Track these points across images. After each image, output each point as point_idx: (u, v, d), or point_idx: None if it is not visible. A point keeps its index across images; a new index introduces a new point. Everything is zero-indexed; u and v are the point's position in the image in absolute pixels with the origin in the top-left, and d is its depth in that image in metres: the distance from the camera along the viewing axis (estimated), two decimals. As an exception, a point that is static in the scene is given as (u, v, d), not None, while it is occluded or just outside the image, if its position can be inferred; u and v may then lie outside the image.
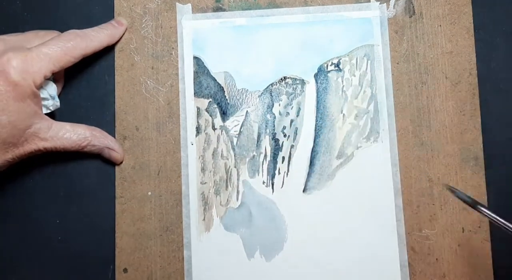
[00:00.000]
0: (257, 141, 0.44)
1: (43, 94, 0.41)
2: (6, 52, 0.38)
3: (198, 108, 0.44)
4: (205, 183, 0.44)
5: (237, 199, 0.44)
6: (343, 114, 0.44)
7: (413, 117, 0.44)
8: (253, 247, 0.43)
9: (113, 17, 0.45)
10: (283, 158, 0.44)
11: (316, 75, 0.44)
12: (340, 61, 0.45)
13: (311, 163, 0.44)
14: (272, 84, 0.45)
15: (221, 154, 0.44)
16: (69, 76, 0.44)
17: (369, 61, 0.44)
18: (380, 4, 0.45)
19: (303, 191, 0.44)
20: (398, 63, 0.44)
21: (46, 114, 0.41)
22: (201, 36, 0.45)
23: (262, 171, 0.44)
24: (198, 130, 0.44)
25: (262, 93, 0.44)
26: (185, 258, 0.43)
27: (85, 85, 0.45)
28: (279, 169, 0.44)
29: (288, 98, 0.44)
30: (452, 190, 0.38)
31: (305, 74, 0.44)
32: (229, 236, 0.43)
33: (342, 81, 0.44)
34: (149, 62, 0.45)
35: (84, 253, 0.43)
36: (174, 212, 0.43)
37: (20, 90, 0.38)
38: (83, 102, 0.45)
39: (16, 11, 0.46)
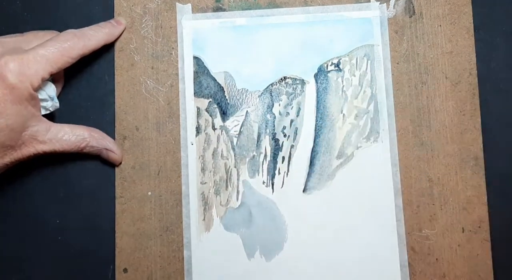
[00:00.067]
0: (257, 141, 0.44)
1: (42, 95, 0.40)
2: (3, 55, 0.38)
3: (198, 108, 0.44)
4: (205, 183, 0.44)
5: (237, 199, 0.44)
6: (343, 114, 0.44)
7: (413, 117, 0.44)
8: (253, 247, 0.43)
9: (113, 17, 0.45)
10: (283, 158, 0.44)
11: (316, 75, 0.44)
12: (340, 61, 0.45)
13: (311, 163, 0.44)
14: (272, 84, 0.45)
15: (221, 154, 0.44)
16: (69, 76, 0.44)
17: (369, 61, 0.44)
18: (380, 4, 0.45)
19: (303, 191, 0.44)
20: (398, 63, 0.44)
21: (45, 115, 0.41)
22: (201, 36, 0.45)
23: (262, 171, 0.44)
24: (198, 130, 0.44)
25: (262, 93, 0.44)
26: (185, 258, 0.43)
27: (85, 85, 0.45)
28: (279, 169, 0.44)
29: (288, 98, 0.44)
30: None
31: (305, 74, 0.44)
32: (229, 236, 0.43)
33: (342, 81, 0.44)
34: (149, 62, 0.45)
35: (84, 253, 0.43)
36: (174, 212, 0.43)
37: (17, 93, 0.37)
38: (83, 102, 0.45)
39: (16, 11, 0.46)
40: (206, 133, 0.44)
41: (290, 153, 0.44)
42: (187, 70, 0.45)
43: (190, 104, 0.44)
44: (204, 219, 0.43)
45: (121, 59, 0.45)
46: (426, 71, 0.44)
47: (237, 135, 0.44)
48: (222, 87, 0.44)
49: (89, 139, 0.42)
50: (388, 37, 0.44)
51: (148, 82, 0.44)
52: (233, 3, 0.45)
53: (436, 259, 0.43)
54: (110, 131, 0.44)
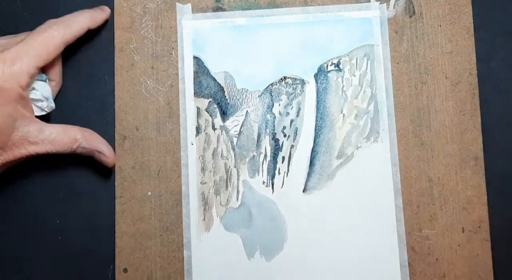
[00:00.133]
0: (257, 141, 0.44)
1: (36, 95, 0.40)
2: None
3: (198, 108, 0.44)
4: (205, 183, 0.44)
5: (237, 199, 0.44)
6: (343, 114, 0.44)
7: (413, 117, 0.44)
8: (253, 247, 0.43)
9: (113, 17, 0.45)
10: (283, 158, 0.44)
11: (316, 75, 0.44)
12: (340, 61, 0.45)
13: (311, 163, 0.44)
14: (272, 84, 0.45)
15: (221, 154, 0.44)
16: (68, 76, 0.44)
17: (369, 61, 0.44)
18: (380, 4, 0.45)
19: (303, 191, 0.44)
20: (398, 63, 0.44)
21: (43, 116, 0.41)
22: (201, 36, 0.45)
23: (262, 171, 0.44)
24: (198, 130, 0.44)
25: (262, 93, 0.44)
26: (185, 258, 0.43)
27: (85, 85, 0.45)
28: (279, 169, 0.44)
29: (288, 98, 0.44)
30: None
31: (305, 74, 0.44)
32: (229, 236, 0.43)
33: (342, 81, 0.44)
34: (149, 62, 0.45)
35: (84, 253, 0.43)
36: (174, 212, 0.43)
37: (4, 94, 0.36)
38: (83, 102, 0.44)
39: (16, 11, 0.46)
40: (206, 133, 0.44)
41: (290, 153, 0.44)
42: (187, 70, 0.45)
43: (190, 104, 0.44)
44: (204, 219, 0.43)
45: (121, 59, 0.45)
46: (426, 71, 0.44)
47: (237, 135, 0.44)
48: (222, 87, 0.44)
49: (81, 140, 0.40)
50: (388, 37, 0.44)
51: (148, 82, 0.44)
52: (233, 3, 0.45)
53: (436, 259, 0.43)
54: (110, 131, 0.44)
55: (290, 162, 0.44)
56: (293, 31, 0.45)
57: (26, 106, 0.38)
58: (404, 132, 0.44)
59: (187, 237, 0.43)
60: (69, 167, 0.44)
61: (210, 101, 0.44)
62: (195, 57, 0.45)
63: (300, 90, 0.44)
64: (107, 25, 0.45)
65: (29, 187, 0.44)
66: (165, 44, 0.45)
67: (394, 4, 0.45)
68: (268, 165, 0.44)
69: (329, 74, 0.44)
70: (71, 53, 0.45)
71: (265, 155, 0.44)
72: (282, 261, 0.43)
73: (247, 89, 0.44)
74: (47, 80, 0.41)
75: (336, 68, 0.44)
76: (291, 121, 0.44)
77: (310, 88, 0.44)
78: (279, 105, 0.44)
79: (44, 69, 0.41)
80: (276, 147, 0.44)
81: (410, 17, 0.45)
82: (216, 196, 0.44)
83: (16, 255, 0.43)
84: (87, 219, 0.44)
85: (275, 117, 0.44)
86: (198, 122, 0.44)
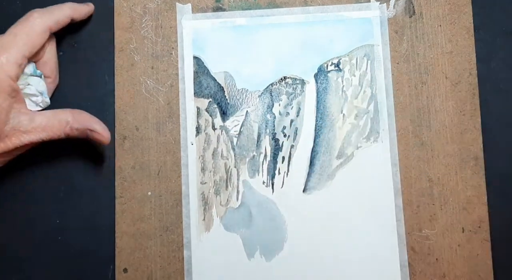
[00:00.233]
0: (257, 141, 0.44)
1: (31, 90, 0.40)
2: None
3: (198, 108, 0.44)
4: (205, 183, 0.44)
5: (237, 199, 0.44)
6: (343, 114, 0.44)
7: (413, 117, 0.44)
8: (253, 247, 0.43)
9: (113, 17, 0.45)
10: (283, 158, 0.44)
11: (316, 75, 0.44)
12: (340, 61, 0.45)
13: (311, 163, 0.44)
14: (272, 84, 0.45)
15: (221, 154, 0.44)
16: (68, 76, 0.44)
17: (369, 61, 0.44)
18: (380, 4, 0.45)
19: (303, 191, 0.44)
20: (398, 63, 0.44)
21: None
22: (201, 36, 0.45)
23: (262, 171, 0.44)
24: (198, 130, 0.44)
25: (262, 93, 0.44)
26: (185, 258, 0.43)
27: (85, 85, 0.45)
28: (279, 169, 0.44)
29: (288, 98, 0.44)
30: None
31: (305, 74, 0.44)
32: (229, 236, 0.43)
33: (342, 81, 0.44)
34: (149, 62, 0.45)
35: (84, 253, 0.43)
36: (174, 212, 0.43)
37: None
38: (83, 102, 0.44)
39: (16, 11, 0.45)
40: (206, 133, 0.44)
41: (290, 153, 0.44)
42: (187, 70, 0.45)
43: (190, 104, 0.44)
44: (204, 219, 0.43)
45: (121, 59, 0.45)
46: (426, 71, 0.44)
47: (237, 135, 0.44)
48: (222, 87, 0.44)
49: (71, 121, 0.40)
50: (388, 37, 0.44)
51: (148, 82, 0.44)
52: (233, 3, 0.45)
53: (436, 259, 0.43)
54: (110, 131, 0.44)
55: (290, 162, 0.44)
56: (293, 31, 0.45)
57: (17, 97, 0.39)
58: (404, 132, 0.44)
59: (187, 237, 0.43)
60: (69, 167, 0.44)
61: (210, 101, 0.44)
62: (195, 57, 0.45)
63: (300, 90, 0.44)
64: (107, 25, 0.45)
65: (29, 187, 0.44)
66: (165, 44, 0.45)
67: (394, 4, 0.45)
68: (268, 165, 0.44)
69: (329, 74, 0.44)
70: (71, 53, 0.45)
71: (265, 155, 0.44)
72: (282, 261, 0.43)
73: (247, 89, 0.44)
74: (42, 76, 0.42)
75: (336, 68, 0.44)
76: (291, 121, 0.44)
77: (310, 88, 0.44)
78: (279, 105, 0.44)
79: (39, 66, 0.42)
80: (276, 147, 0.44)
81: (410, 17, 0.45)
82: (216, 196, 0.44)
83: (16, 255, 0.43)
84: (87, 219, 0.44)
85: (275, 117, 0.44)
86: (198, 122, 0.44)
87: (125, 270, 0.43)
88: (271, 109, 0.44)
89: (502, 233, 0.43)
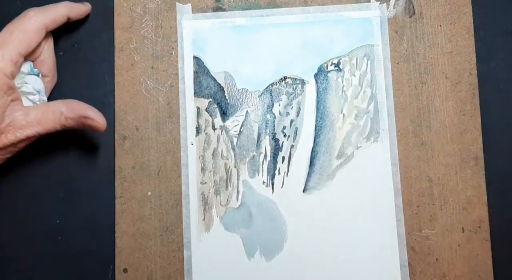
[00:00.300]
0: (257, 141, 0.44)
1: (28, 88, 0.40)
2: None
3: (198, 108, 0.44)
4: (205, 183, 0.44)
5: (237, 199, 0.44)
6: (343, 114, 0.44)
7: (413, 117, 0.44)
8: (253, 247, 0.43)
9: (113, 17, 0.45)
10: (283, 158, 0.44)
11: (316, 75, 0.44)
12: (340, 61, 0.45)
13: (311, 163, 0.44)
14: (272, 84, 0.45)
15: (221, 154, 0.44)
16: (68, 76, 0.44)
17: (369, 61, 0.44)
18: (380, 4, 0.45)
19: (303, 191, 0.44)
20: (398, 63, 0.44)
21: None
22: (201, 36, 0.45)
23: (262, 171, 0.44)
24: (198, 130, 0.44)
25: (262, 93, 0.44)
26: (185, 258, 0.43)
27: (85, 85, 0.45)
28: (279, 169, 0.44)
29: (288, 98, 0.44)
30: None
31: (305, 74, 0.44)
32: (229, 236, 0.43)
33: (342, 81, 0.44)
34: (149, 62, 0.45)
35: (84, 253, 0.43)
36: (174, 212, 0.43)
37: None
38: (83, 102, 0.44)
39: (16, 11, 0.45)
40: (206, 133, 0.44)
41: (290, 153, 0.44)
42: (187, 70, 0.45)
43: (190, 104, 0.44)
44: (204, 219, 0.43)
45: (121, 59, 0.45)
46: (426, 71, 0.44)
47: (237, 135, 0.44)
48: (222, 87, 0.44)
49: (65, 111, 0.40)
50: (388, 37, 0.44)
51: (148, 82, 0.44)
52: (233, 3, 0.45)
53: (436, 259, 0.43)
54: (110, 131, 0.44)
55: (290, 162, 0.44)
56: (293, 31, 0.45)
57: (13, 95, 0.39)
58: (404, 132, 0.44)
59: (187, 237, 0.43)
60: (69, 167, 0.44)
61: (210, 101, 0.44)
62: (195, 57, 0.45)
63: (300, 90, 0.44)
64: (107, 25, 0.45)
65: (29, 187, 0.44)
66: (165, 44, 0.45)
67: (394, 4, 0.45)
68: (268, 165, 0.44)
69: (329, 74, 0.44)
70: (71, 53, 0.45)
71: (265, 155, 0.44)
72: (282, 261, 0.43)
73: (247, 89, 0.44)
74: (39, 75, 0.42)
75: (336, 68, 0.44)
76: (291, 121, 0.44)
77: (310, 88, 0.44)
78: (279, 105, 0.44)
79: (36, 65, 0.42)
80: (276, 147, 0.44)
81: (410, 17, 0.45)
82: (216, 196, 0.44)
83: (16, 255, 0.43)
84: (87, 219, 0.44)
85: (275, 117, 0.44)
86: (198, 122, 0.44)
87: (125, 270, 0.43)
88: (271, 109, 0.44)
89: (502, 233, 0.43)
